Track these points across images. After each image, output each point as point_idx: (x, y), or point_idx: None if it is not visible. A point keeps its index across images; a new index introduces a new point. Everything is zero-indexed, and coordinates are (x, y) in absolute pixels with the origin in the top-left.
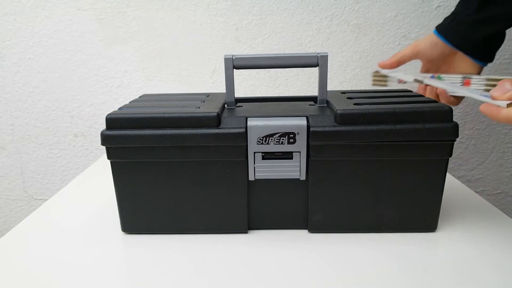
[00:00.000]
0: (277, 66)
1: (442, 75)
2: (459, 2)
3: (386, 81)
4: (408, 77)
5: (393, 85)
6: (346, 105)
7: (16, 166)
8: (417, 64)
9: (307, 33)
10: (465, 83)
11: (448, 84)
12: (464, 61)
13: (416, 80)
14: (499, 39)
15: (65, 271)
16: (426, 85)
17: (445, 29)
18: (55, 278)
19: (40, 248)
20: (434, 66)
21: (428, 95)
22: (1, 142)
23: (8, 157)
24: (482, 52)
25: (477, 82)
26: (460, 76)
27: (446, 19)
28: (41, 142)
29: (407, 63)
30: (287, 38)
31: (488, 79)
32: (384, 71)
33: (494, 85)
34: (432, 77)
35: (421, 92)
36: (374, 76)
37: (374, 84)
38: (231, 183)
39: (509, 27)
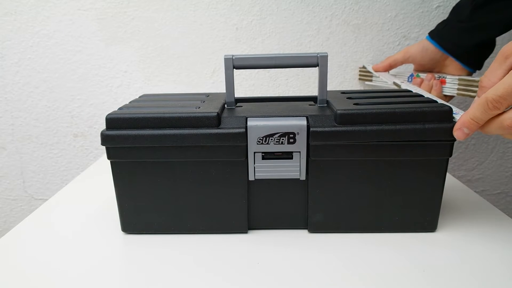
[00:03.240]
0: (277, 66)
1: (421, 74)
2: (451, 10)
3: (371, 76)
4: (388, 78)
5: (377, 81)
6: (346, 105)
7: (16, 166)
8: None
9: (307, 33)
10: (441, 81)
11: (419, 91)
12: (453, 66)
13: (395, 83)
14: (489, 47)
15: (65, 271)
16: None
17: (437, 35)
18: (55, 278)
19: (40, 248)
20: (425, 69)
21: None
22: (1, 142)
23: (8, 157)
24: (472, 58)
25: (451, 81)
26: (437, 75)
27: (438, 25)
28: (41, 142)
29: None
30: (287, 38)
31: (460, 79)
32: (370, 68)
33: (466, 85)
34: (411, 75)
35: None
36: (360, 71)
37: (360, 79)
38: (231, 183)
39: (499, 34)
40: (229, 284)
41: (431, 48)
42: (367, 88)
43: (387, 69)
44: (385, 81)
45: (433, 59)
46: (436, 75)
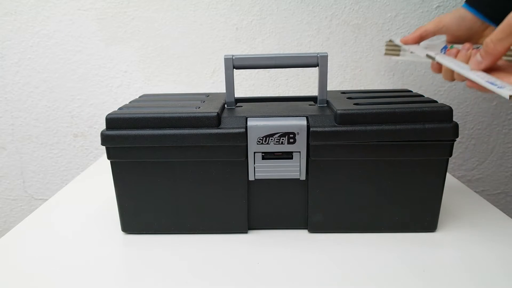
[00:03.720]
0: (277, 66)
1: (455, 45)
2: None
3: (399, 51)
4: (420, 51)
5: (406, 55)
6: (346, 105)
7: (16, 166)
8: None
9: (307, 33)
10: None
11: (458, 64)
12: None
13: (428, 56)
14: None
15: (65, 271)
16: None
17: (477, 1)
18: (55, 278)
19: (40, 248)
20: (459, 41)
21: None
22: (1, 142)
23: (8, 157)
24: None
25: None
26: (474, 45)
27: None
28: (41, 142)
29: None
30: (287, 38)
31: None
32: (398, 42)
33: (509, 55)
34: (445, 47)
35: (435, 65)
36: (387, 45)
37: (386, 54)
38: (231, 183)
39: None
40: (229, 284)
41: (469, 17)
42: (395, 62)
43: (418, 40)
44: (417, 54)
45: (471, 29)
46: (474, 46)
